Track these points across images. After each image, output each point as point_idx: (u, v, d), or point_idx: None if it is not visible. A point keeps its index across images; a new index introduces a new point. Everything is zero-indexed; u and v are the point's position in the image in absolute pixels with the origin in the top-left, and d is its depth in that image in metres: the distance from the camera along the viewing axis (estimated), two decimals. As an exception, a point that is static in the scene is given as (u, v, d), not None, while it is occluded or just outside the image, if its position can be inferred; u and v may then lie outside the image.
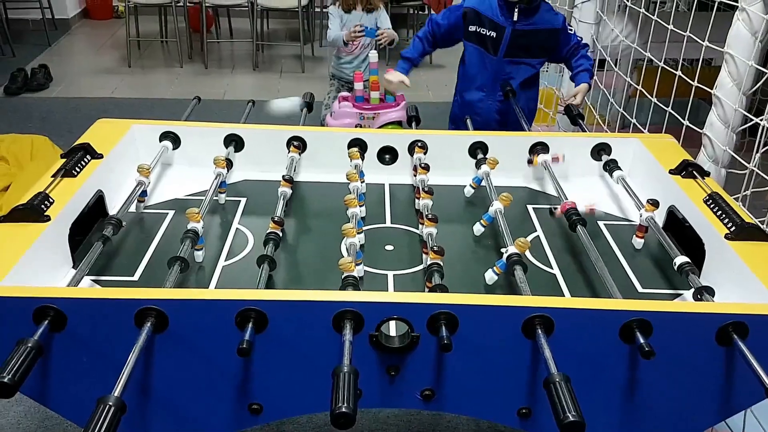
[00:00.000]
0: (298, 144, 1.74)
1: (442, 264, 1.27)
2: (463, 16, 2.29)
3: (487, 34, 2.24)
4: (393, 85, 2.34)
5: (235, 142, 1.75)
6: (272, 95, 4.82)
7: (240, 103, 2.10)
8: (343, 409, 0.90)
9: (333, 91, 3.85)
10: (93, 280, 1.31)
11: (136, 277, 1.34)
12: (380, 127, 3.44)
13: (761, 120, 1.71)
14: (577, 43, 2.29)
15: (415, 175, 1.67)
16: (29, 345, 0.97)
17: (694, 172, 1.54)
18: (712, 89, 1.87)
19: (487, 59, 2.28)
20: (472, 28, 2.27)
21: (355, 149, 1.71)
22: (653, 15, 2.25)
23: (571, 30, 2.32)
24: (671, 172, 1.58)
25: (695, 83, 1.96)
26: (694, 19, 2.00)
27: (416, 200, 1.61)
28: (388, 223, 1.59)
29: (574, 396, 0.92)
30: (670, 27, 2.06)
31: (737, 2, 1.76)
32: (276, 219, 1.40)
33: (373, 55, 3.34)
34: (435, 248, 1.29)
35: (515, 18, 2.20)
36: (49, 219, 1.29)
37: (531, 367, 1.11)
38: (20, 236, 1.24)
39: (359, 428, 1.99)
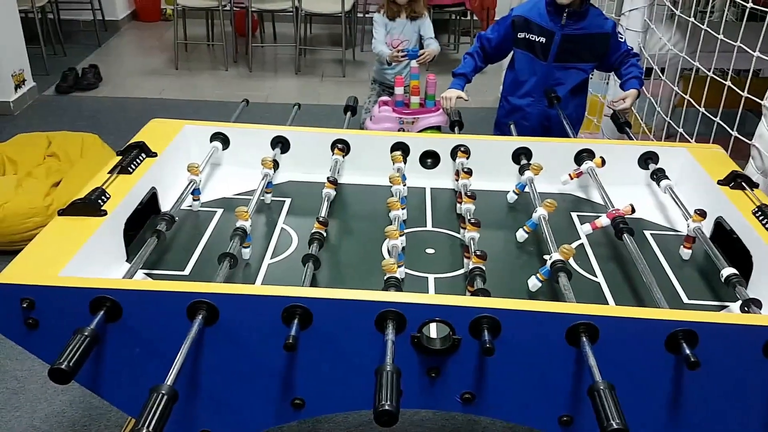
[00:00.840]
0: (342, 146, 1.76)
1: (484, 268, 1.28)
2: (512, 24, 2.29)
3: (537, 40, 2.24)
4: (451, 101, 2.35)
5: (281, 143, 1.78)
6: (314, 99, 4.88)
7: (282, 106, 2.14)
8: (387, 407, 0.92)
9: (374, 95, 3.88)
10: (146, 274, 1.36)
11: (187, 272, 1.38)
12: (420, 131, 3.46)
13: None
14: (627, 51, 2.27)
15: (457, 180, 1.68)
16: (86, 334, 1.01)
17: (743, 183, 1.52)
18: (761, 100, 1.83)
19: (536, 65, 2.28)
20: (521, 35, 2.27)
21: (398, 152, 1.73)
22: (702, 24, 2.22)
23: (621, 37, 2.30)
24: (719, 182, 1.55)
25: (745, 93, 1.92)
26: (743, 30, 1.97)
27: (458, 205, 1.61)
28: (429, 227, 1.61)
29: (618, 404, 0.92)
30: (720, 36, 2.03)
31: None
32: (321, 219, 1.42)
33: (414, 61, 3.36)
34: (478, 252, 1.30)
35: (563, 22, 2.19)
36: (105, 213, 1.34)
37: (574, 374, 1.11)
38: (78, 229, 1.29)
39: (394, 428, 2.00)
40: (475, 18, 5.48)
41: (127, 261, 1.39)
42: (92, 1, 5.86)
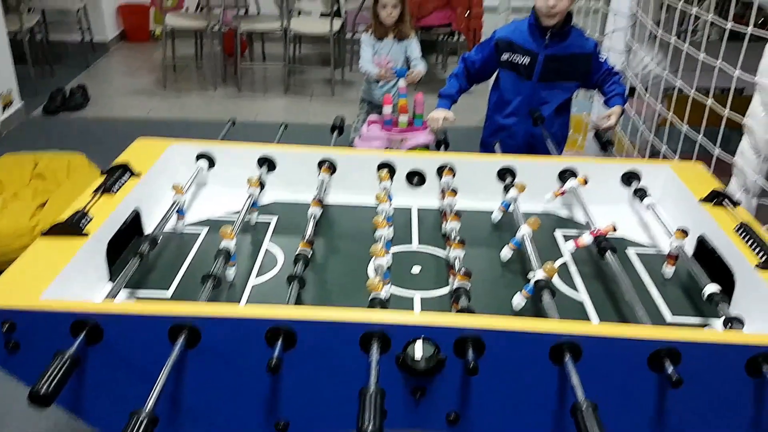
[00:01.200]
0: (328, 165, 1.77)
1: (469, 287, 1.28)
2: (496, 46, 2.32)
3: (521, 60, 2.27)
4: (438, 122, 2.37)
5: (268, 163, 1.78)
6: (303, 118, 4.90)
7: (271, 125, 2.15)
8: (369, 429, 0.91)
9: (363, 114, 3.90)
10: (129, 295, 1.35)
11: (170, 293, 1.37)
12: (408, 150, 3.47)
13: (794, 150, 1.69)
14: (608, 70, 2.31)
15: (442, 199, 1.68)
16: (66, 357, 1.00)
17: (725, 200, 1.53)
18: (743, 118, 1.86)
19: (521, 85, 2.31)
20: (506, 56, 2.30)
21: (385, 171, 1.74)
22: (684, 43, 2.26)
23: (602, 57, 2.33)
24: (702, 200, 1.57)
25: (726, 112, 1.95)
26: (725, 49, 2.00)
27: (443, 223, 1.62)
28: (415, 246, 1.61)
29: (601, 424, 0.92)
30: (702, 56, 2.06)
31: (769, 32, 1.76)
32: (306, 238, 1.42)
33: (402, 80, 3.39)
34: (463, 271, 1.30)
35: (547, 43, 2.23)
36: (87, 235, 1.33)
37: (558, 392, 1.11)
38: (60, 251, 1.28)
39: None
40: (462, 38, 5.53)
41: (110, 281, 1.38)
42: (81, 23, 5.87)
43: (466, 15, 5.01)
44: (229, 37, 5.66)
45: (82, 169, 3.25)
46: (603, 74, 2.30)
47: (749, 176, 1.83)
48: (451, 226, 1.51)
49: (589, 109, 3.07)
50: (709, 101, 2.03)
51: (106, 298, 1.25)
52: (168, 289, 1.38)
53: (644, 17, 2.17)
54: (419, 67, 3.55)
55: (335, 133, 2.06)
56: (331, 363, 1.11)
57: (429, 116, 2.42)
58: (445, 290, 1.43)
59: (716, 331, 1.27)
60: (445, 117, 2.33)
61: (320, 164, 1.77)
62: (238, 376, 1.11)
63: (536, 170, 1.77)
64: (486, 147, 2.43)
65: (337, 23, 5.30)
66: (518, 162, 1.78)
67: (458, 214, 1.53)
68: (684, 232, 1.44)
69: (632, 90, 2.66)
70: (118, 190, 1.50)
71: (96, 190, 1.47)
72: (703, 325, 1.33)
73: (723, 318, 1.24)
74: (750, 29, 1.89)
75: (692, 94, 2.13)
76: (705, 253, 1.49)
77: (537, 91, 2.30)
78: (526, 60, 2.26)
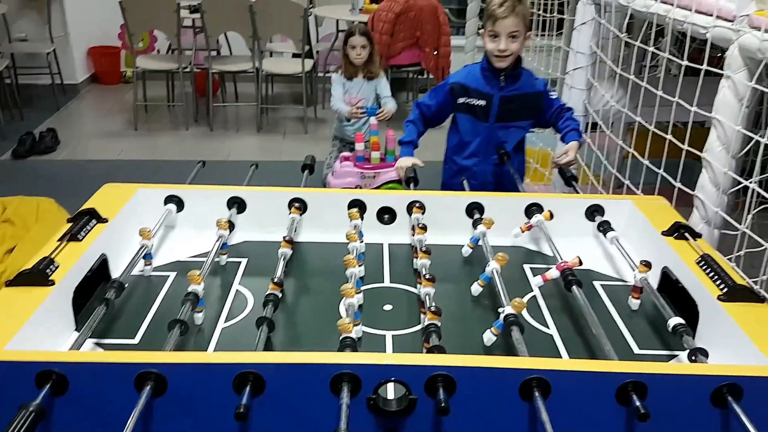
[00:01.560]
0: (299, 205, 1.77)
1: (439, 324, 1.29)
2: (450, 91, 2.38)
3: (476, 103, 2.34)
4: (407, 170, 2.40)
5: (237, 204, 1.79)
6: (276, 156, 4.92)
7: (244, 164, 2.15)
8: (340, 474, 0.90)
9: (335, 151, 3.94)
10: (95, 344, 1.33)
11: (137, 340, 1.36)
12: (381, 185, 3.50)
13: (750, 182, 1.75)
14: (560, 106, 2.39)
15: (413, 235, 1.70)
16: (30, 409, 0.98)
17: (686, 233, 1.57)
18: (701, 152, 1.92)
19: (479, 126, 2.37)
20: (461, 100, 2.37)
21: (355, 210, 1.75)
22: (644, 78, 2.33)
23: (553, 94, 2.41)
24: (664, 233, 1.60)
25: (685, 146, 2.01)
26: (683, 84, 2.07)
27: (414, 260, 1.63)
28: (387, 283, 1.61)
29: (569, 459, 0.92)
30: (659, 93, 2.13)
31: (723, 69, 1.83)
32: (275, 280, 1.42)
33: (373, 118, 3.44)
34: (432, 308, 1.31)
35: (502, 84, 2.29)
36: (53, 283, 1.32)
37: (529, 429, 1.11)
38: (25, 300, 1.26)
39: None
40: (431, 77, 5.63)
41: (76, 331, 1.36)
42: (50, 66, 5.86)
43: (434, 54, 5.12)
44: (200, 77, 5.69)
45: (51, 214, 3.21)
46: (555, 111, 2.38)
47: (709, 209, 1.88)
48: (422, 262, 1.53)
49: (555, 144, 3.14)
50: (669, 136, 2.09)
51: (72, 348, 1.23)
52: (135, 336, 1.37)
53: (603, 56, 2.25)
54: (389, 105, 3.61)
55: (306, 172, 2.08)
56: (301, 407, 1.10)
57: (397, 165, 2.45)
58: (417, 328, 1.43)
59: (681, 364, 1.29)
60: (413, 163, 2.37)
61: (290, 204, 1.78)
62: (205, 424, 1.10)
63: (503, 206, 1.80)
64: (448, 188, 2.45)
65: (308, 63, 5.37)
66: (486, 198, 1.81)
67: (428, 251, 1.54)
68: (647, 265, 1.47)
69: (594, 125, 2.73)
70: (84, 236, 1.49)
71: (61, 238, 1.46)
72: (670, 357, 1.35)
73: (688, 350, 1.26)
74: (704, 67, 1.96)
75: (652, 129, 2.19)
76: (669, 285, 1.52)
77: (494, 132, 2.37)
78: (482, 102, 2.33)
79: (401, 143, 2.49)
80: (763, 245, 1.70)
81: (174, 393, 1.07)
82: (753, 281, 1.67)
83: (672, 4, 2.07)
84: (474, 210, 1.79)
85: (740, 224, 1.78)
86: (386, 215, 1.82)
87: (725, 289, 1.34)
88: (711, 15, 1.89)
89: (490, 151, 2.39)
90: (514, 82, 2.30)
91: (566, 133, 2.34)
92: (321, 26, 6.26)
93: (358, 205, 1.78)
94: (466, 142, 2.41)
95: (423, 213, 1.76)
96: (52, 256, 1.39)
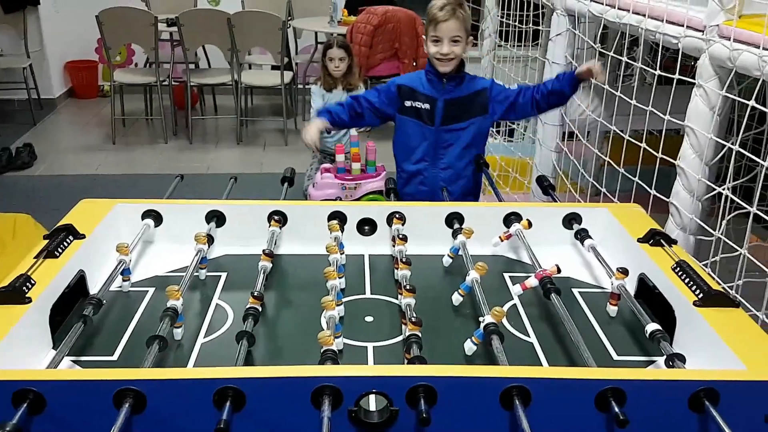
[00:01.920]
0: (278, 218, 1.77)
1: (420, 335, 1.29)
2: (398, 91, 2.37)
3: (422, 106, 2.35)
4: (311, 131, 2.32)
5: (216, 217, 1.78)
6: (256, 168, 4.91)
7: (223, 177, 2.15)
8: (322, 487, 0.90)
9: (315, 162, 3.94)
10: (73, 361, 1.31)
11: (115, 357, 1.34)
12: (361, 196, 3.51)
13: (723, 189, 1.78)
14: (526, 87, 2.35)
15: (394, 246, 1.70)
16: (7, 429, 0.97)
17: (662, 240, 1.59)
18: (676, 159, 1.95)
19: (426, 130, 2.37)
20: (408, 103, 2.37)
21: (335, 222, 1.75)
22: (619, 87, 2.37)
23: (505, 86, 2.41)
24: (640, 240, 1.63)
25: (659, 154, 2.04)
26: (656, 93, 2.10)
27: (395, 271, 1.63)
28: (368, 294, 1.62)
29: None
30: (633, 102, 2.17)
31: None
32: (255, 294, 1.42)
33: (353, 129, 3.45)
34: (413, 319, 1.32)
35: (445, 87, 2.31)
36: (30, 301, 1.30)
37: (510, 438, 1.12)
38: (1, 318, 1.25)
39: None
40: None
41: (53, 349, 1.34)
42: (27, 81, 5.80)
43: (413, 65, 5.15)
44: (179, 90, 5.67)
45: (28, 229, 3.17)
46: (522, 91, 2.34)
47: (684, 216, 1.91)
48: (402, 273, 1.53)
49: (532, 153, 3.17)
50: (643, 144, 2.12)
51: (49, 366, 1.21)
52: (113, 353, 1.35)
53: (578, 66, 2.29)
54: None
55: (286, 185, 2.08)
56: (282, 421, 1.09)
57: (303, 133, 2.37)
58: (398, 339, 1.43)
59: (659, 369, 1.31)
60: (318, 127, 2.32)
61: (270, 216, 1.78)
62: (186, 440, 1.09)
63: (483, 215, 1.81)
64: (403, 198, 2.45)
65: (287, 75, 5.38)
66: (465, 208, 1.83)
67: (409, 262, 1.55)
68: (624, 272, 1.49)
69: (571, 134, 2.76)
70: (61, 253, 1.48)
71: (38, 255, 1.44)
72: (648, 363, 1.37)
73: (665, 356, 1.28)
74: (676, 76, 2.00)
75: (626, 138, 2.23)
76: (646, 291, 1.54)
77: (441, 135, 2.37)
78: (427, 106, 2.34)
79: (319, 114, 2.41)
80: (738, 250, 1.73)
81: (153, 410, 1.06)
82: (728, 286, 1.69)
83: (644, 15, 2.11)
84: (454, 220, 1.80)
85: (715, 230, 1.81)
86: (367, 226, 1.83)
87: (701, 295, 1.36)
88: (682, 25, 1.93)
89: (439, 155, 2.39)
90: (457, 85, 2.33)
91: (560, 78, 2.29)
92: (300, 38, 6.28)
93: (338, 217, 1.78)
94: (413, 147, 2.41)
95: (403, 224, 1.77)
96: (29, 273, 1.37)
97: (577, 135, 2.67)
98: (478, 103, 2.35)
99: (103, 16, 5.02)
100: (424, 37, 2.37)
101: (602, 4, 2.40)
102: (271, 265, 1.59)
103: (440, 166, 2.40)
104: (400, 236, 1.67)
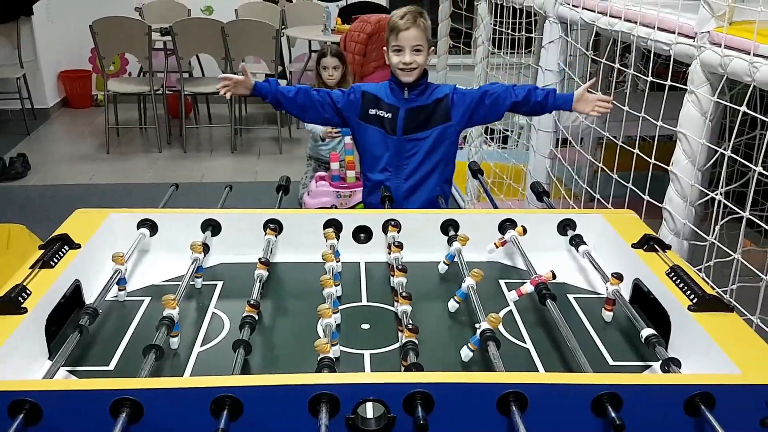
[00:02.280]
0: (274, 226, 1.77)
1: (416, 342, 1.29)
2: (363, 97, 2.37)
3: (385, 115, 2.35)
4: (227, 78, 2.29)
5: (212, 226, 1.78)
6: (251, 177, 4.91)
7: (218, 185, 2.15)
8: (320, 496, 0.90)
9: (310, 171, 3.95)
10: (69, 371, 1.31)
11: (111, 367, 1.34)
12: (357, 204, 3.52)
13: (716, 194, 1.79)
14: (501, 88, 2.31)
15: (389, 253, 1.71)
16: (2, 440, 0.97)
17: (656, 245, 1.60)
18: (669, 165, 1.96)
19: (388, 139, 2.37)
20: (372, 111, 2.37)
21: (331, 229, 1.76)
22: (612, 93, 2.39)
23: (468, 89, 2.40)
24: (634, 246, 1.64)
25: (652, 160, 2.06)
26: (649, 99, 2.12)
27: (391, 278, 1.64)
28: (365, 302, 1.62)
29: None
30: (626, 109, 2.18)
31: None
32: (252, 302, 1.42)
33: (348, 137, 3.46)
34: (409, 326, 1.32)
35: (407, 97, 2.32)
36: (26, 311, 1.30)
37: (507, 444, 1.12)
38: (-4, 329, 1.25)
39: None
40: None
41: (49, 359, 1.34)
42: (20, 91, 5.80)
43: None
44: (173, 99, 5.68)
45: (22, 240, 3.17)
46: (490, 94, 2.31)
47: (678, 221, 1.92)
48: (398, 280, 1.53)
49: (526, 159, 3.19)
50: (636, 150, 2.14)
51: (45, 376, 1.21)
52: (109, 363, 1.35)
53: (571, 73, 2.31)
54: None
55: (281, 193, 2.08)
56: (280, 430, 1.09)
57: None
58: (394, 346, 1.43)
59: (654, 374, 1.31)
60: (238, 78, 2.27)
61: (266, 225, 1.78)
62: (183, 450, 1.09)
63: (478, 222, 1.82)
64: (367, 206, 2.45)
65: (282, 83, 5.39)
66: (461, 215, 1.83)
67: (404, 269, 1.55)
68: (618, 278, 1.50)
69: (565, 140, 2.78)
70: (56, 263, 1.47)
71: (33, 265, 1.44)
72: (644, 368, 1.37)
73: (660, 360, 1.28)
74: (668, 83, 2.01)
75: (619, 144, 2.24)
76: (641, 296, 1.55)
77: (403, 144, 2.37)
78: (390, 115, 2.35)
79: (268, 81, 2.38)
80: (731, 255, 1.74)
81: (150, 419, 1.06)
82: (722, 290, 1.70)
83: (636, 22, 2.13)
84: (449, 227, 1.81)
85: (709, 235, 1.82)
86: (362, 234, 1.83)
87: (695, 300, 1.37)
88: (673, 32, 1.95)
89: (402, 165, 2.39)
90: (419, 95, 2.33)
91: (546, 96, 2.24)
92: (293, 47, 6.30)
93: (333, 225, 1.79)
94: (377, 156, 2.41)
95: (399, 231, 1.78)
96: (25, 283, 1.37)
97: (570, 141, 2.69)
98: (439, 111, 2.34)
99: (97, 25, 5.03)
100: (385, 48, 2.36)
101: (594, 11, 2.42)
102: (267, 273, 1.59)
103: (403, 176, 2.40)
104: (396, 243, 1.67)
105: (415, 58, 2.24)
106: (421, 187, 2.40)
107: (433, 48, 2.34)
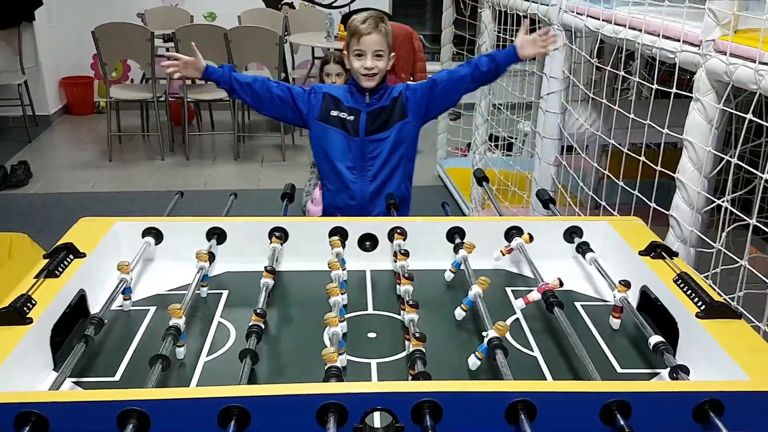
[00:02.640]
0: (279, 234, 1.77)
1: (424, 350, 1.29)
2: (324, 98, 2.36)
3: (347, 117, 2.35)
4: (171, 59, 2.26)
5: (217, 235, 1.78)
6: (254, 184, 4.91)
7: (221, 193, 2.15)
8: (329, 507, 0.89)
9: (314, 178, 3.94)
10: (74, 382, 1.30)
11: (117, 377, 1.33)
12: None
13: (722, 201, 1.79)
14: (435, 77, 2.34)
15: (395, 262, 1.70)
16: (9, 452, 0.96)
17: (663, 252, 1.60)
18: (676, 171, 1.96)
19: (351, 141, 2.37)
20: (334, 113, 2.36)
21: (336, 237, 1.75)
22: (617, 101, 2.39)
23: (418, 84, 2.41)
24: (641, 253, 1.63)
25: (658, 168, 2.05)
26: (654, 107, 2.12)
27: (397, 286, 1.63)
28: (371, 310, 1.61)
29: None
30: (631, 116, 2.18)
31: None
32: (258, 311, 1.41)
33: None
34: (416, 335, 1.31)
35: (368, 101, 2.33)
36: (31, 321, 1.29)
37: (517, 453, 1.11)
38: (2, 339, 1.24)
39: None
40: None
41: (54, 370, 1.34)
42: (21, 97, 5.81)
43: (410, 79, 5.18)
44: (176, 106, 5.69)
45: (24, 249, 3.16)
46: (431, 84, 2.33)
47: (684, 229, 1.92)
48: (405, 289, 1.53)
49: (531, 166, 3.18)
50: (642, 158, 2.14)
51: (51, 387, 1.20)
52: (115, 373, 1.34)
53: (575, 80, 2.31)
54: None
55: (286, 201, 2.07)
56: (288, 440, 1.09)
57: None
58: (401, 355, 1.43)
59: (663, 381, 1.31)
60: (188, 58, 2.25)
61: (271, 233, 1.78)
62: (191, 460, 1.08)
63: (484, 230, 1.82)
64: (331, 213, 2.42)
65: (283, 89, 5.39)
66: (466, 223, 1.83)
67: (411, 277, 1.55)
68: (626, 285, 1.49)
69: (570, 148, 2.78)
70: (61, 272, 1.47)
71: (38, 275, 1.44)
72: (652, 375, 1.37)
73: (669, 367, 1.28)
74: (673, 90, 2.01)
75: (625, 151, 2.24)
76: (649, 303, 1.55)
77: (366, 145, 2.36)
78: (351, 117, 2.34)
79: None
80: (738, 262, 1.74)
81: (157, 430, 1.05)
82: (729, 297, 1.70)
83: (640, 30, 2.13)
84: (455, 235, 1.81)
85: (715, 242, 1.82)
86: (368, 242, 1.82)
87: (703, 307, 1.37)
88: (678, 40, 1.95)
89: (366, 167, 2.37)
90: (379, 99, 2.33)
91: (491, 60, 2.28)
92: (296, 53, 6.31)
93: (339, 233, 1.78)
94: (339, 158, 2.39)
95: (404, 239, 1.77)
96: (30, 293, 1.36)
97: (575, 149, 2.69)
98: (397, 110, 2.35)
99: (99, 31, 5.04)
100: (345, 52, 2.35)
101: (599, 19, 2.43)
102: (273, 281, 1.59)
103: (369, 177, 2.39)
104: (402, 251, 1.67)
105: (377, 63, 2.25)
106: (386, 186, 2.38)
107: (393, 54, 2.34)
